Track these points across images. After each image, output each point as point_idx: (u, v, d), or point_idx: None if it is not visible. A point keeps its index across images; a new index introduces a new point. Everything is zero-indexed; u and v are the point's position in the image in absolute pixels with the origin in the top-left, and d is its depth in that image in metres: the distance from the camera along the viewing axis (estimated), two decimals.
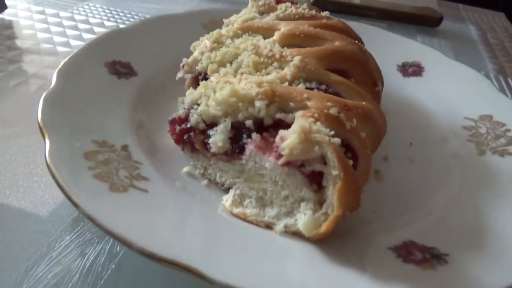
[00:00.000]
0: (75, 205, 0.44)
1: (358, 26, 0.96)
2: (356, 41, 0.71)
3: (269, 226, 0.50)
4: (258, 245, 0.47)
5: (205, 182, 0.59)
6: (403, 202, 0.60)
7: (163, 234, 0.43)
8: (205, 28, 0.90)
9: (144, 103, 0.70)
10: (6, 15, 1.06)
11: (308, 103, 0.53)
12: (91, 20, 1.10)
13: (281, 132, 0.49)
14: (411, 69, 0.89)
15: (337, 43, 0.67)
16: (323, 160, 0.47)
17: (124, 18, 1.14)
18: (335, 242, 0.48)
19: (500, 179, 0.61)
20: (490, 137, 0.70)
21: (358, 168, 0.51)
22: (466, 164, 0.65)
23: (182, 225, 0.47)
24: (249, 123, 0.53)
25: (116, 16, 1.14)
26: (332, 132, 0.47)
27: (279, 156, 0.48)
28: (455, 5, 1.62)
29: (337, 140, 0.46)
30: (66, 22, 1.07)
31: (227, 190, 0.57)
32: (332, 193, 0.45)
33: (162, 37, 0.85)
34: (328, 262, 0.45)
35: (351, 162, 0.48)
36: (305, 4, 0.81)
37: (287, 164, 0.48)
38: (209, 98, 0.57)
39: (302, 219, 0.47)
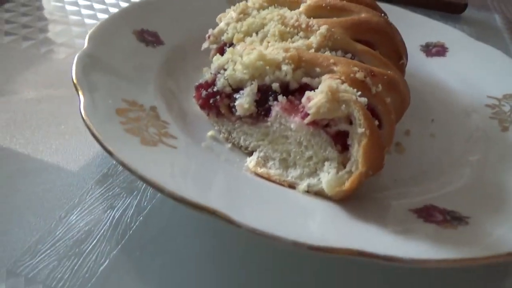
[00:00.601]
0: (110, 153, 0.46)
1: (381, 6, 0.97)
2: (383, 15, 0.71)
3: (292, 186, 0.52)
4: (282, 201, 0.48)
5: (229, 145, 0.60)
6: (424, 173, 0.60)
7: (192, 183, 0.45)
8: (230, 3, 0.91)
9: (170, 72, 0.72)
10: None
11: (335, 68, 0.54)
12: None
13: (308, 93, 0.50)
14: (435, 49, 0.89)
15: (363, 15, 0.67)
16: (349, 120, 0.48)
17: None
18: (356, 204, 0.49)
19: None
20: None
21: (382, 132, 0.52)
22: (489, 139, 0.66)
23: (210, 177, 0.49)
24: (275, 86, 0.54)
25: None
26: (359, 93, 0.48)
27: (305, 115, 0.49)
28: None
29: (363, 100, 0.47)
30: None
31: (250, 154, 0.58)
32: (357, 150, 0.46)
33: (189, 9, 0.86)
34: (350, 220, 0.46)
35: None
36: None
37: (313, 123, 0.49)
38: (236, 63, 0.58)
39: (326, 177, 0.48)
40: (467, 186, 0.55)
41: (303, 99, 0.50)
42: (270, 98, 0.55)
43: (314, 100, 0.48)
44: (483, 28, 1.28)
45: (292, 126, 0.51)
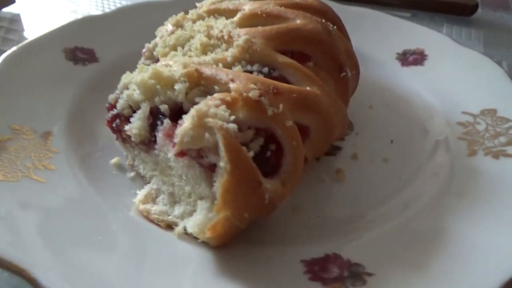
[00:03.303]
0: None
1: (359, 12, 0.87)
2: (326, 21, 0.61)
3: (170, 226, 0.43)
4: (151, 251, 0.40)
5: (132, 174, 0.53)
6: (356, 208, 0.50)
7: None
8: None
9: (96, 92, 0.66)
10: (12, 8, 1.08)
11: (231, 85, 0.45)
12: (94, 12, 1.10)
13: (182, 119, 0.42)
14: (412, 58, 0.77)
15: (298, 21, 0.58)
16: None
17: None
18: (241, 249, 0.40)
19: (484, 186, 0.49)
20: (488, 135, 0.57)
21: (284, 163, 0.43)
22: (448, 166, 0.54)
23: (59, 221, 0.42)
24: (164, 107, 0.47)
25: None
26: (233, 118, 0.39)
27: (175, 144, 0.41)
28: None
29: (232, 126, 0.38)
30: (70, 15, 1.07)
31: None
32: (218, 188, 0.37)
33: (138, 25, 0.81)
34: (221, 275, 0.37)
35: (269, 154, 0.40)
36: None
37: (181, 154, 0.41)
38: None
39: (194, 219, 0.40)
40: (393, 231, 0.44)
41: (178, 126, 0.42)
42: (159, 122, 0.47)
43: (180, 127, 0.40)
44: (495, 32, 1.12)
45: (169, 156, 0.44)
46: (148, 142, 0.49)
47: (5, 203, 0.41)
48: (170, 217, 0.44)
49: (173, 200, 0.46)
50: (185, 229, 0.42)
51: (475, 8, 1.17)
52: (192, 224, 0.39)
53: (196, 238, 0.41)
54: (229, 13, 0.66)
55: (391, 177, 0.55)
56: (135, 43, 0.74)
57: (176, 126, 0.45)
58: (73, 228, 0.41)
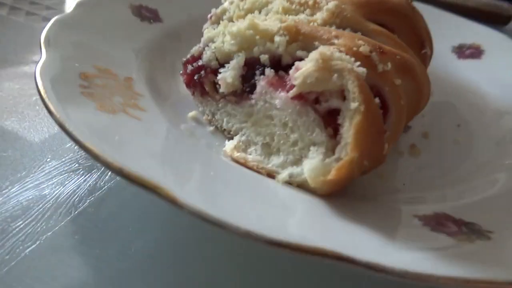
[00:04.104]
0: (49, 111, 0.38)
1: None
2: None
3: (271, 175, 0.42)
4: (253, 191, 0.39)
5: (211, 128, 0.52)
6: (439, 180, 0.50)
7: (144, 158, 0.37)
8: None
9: (163, 50, 0.65)
10: None
11: (336, 41, 0.45)
12: None
13: (298, 63, 0.41)
14: (469, 51, 0.78)
15: None
16: (343, 96, 0.38)
17: None
18: (346, 202, 0.39)
19: None
20: None
21: (388, 121, 0.42)
22: None
23: (169, 156, 0.41)
24: (264, 58, 0.46)
25: None
26: (358, 63, 0.39)
27: (291, 88, 0.40)
28: None
29: (362, 70, 0.38)
30: None
31: (232, 138, 0.50)
32: (348, 131, 0.36)
33: None
34: (334, 218, 0.36)
35: (380, 109, 0.40)
36: None
37: (299, 97, 0.40)
38: (226, 34, 0.51)
39: (309, 164, 0.39)
40: (493, 197, 0.43)
41: (291, 71, 0.41)
42: (257, 72, 0.46)
43: (301, 69, 0.39)
44: None
45: (277, 102, 0.43)
46: (240, 93, 0.48)
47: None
48: (269, 165, 0.43)
49: (268, 151, 0.45)
50: (290, 176, 0.41)
51: (509, 18, 1.19)
52: (308, 167, 0.38)
53: (299, 187, 0.41)
54: None
55: (464, 156, 0.55)
56: (198, 8, 0.73)
57: (278, 76, 0.45)
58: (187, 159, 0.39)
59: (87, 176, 0.47)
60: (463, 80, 0.73)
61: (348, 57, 0.39)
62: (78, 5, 0.60)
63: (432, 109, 0.64)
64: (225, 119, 0.51)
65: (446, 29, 0.82)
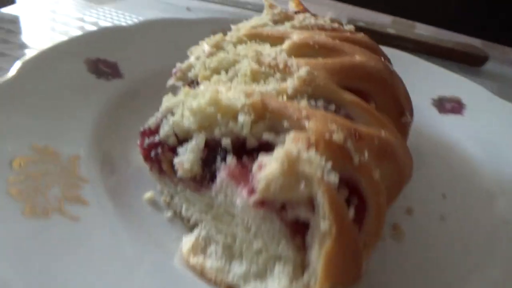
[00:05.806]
0: None
1: (389, 52, 0.84)
2: (383, 59, 0.58)
3: None
4: None
5: (169, 214, 0.46)
6: (425, 271, 0.45)
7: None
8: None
9: (122, 111, 0.59)
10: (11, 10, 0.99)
11: (306, 124, 0.39)
12: (101, 23, 1.02)
13: (262, 157, 0.36)
14: (450, 105, 0.75)
15: (357, 57, 0.54)
16: (312, 205, 0.33)
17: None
18: None
19: None
20: None
21: (366, 221, 0.37)
22: None
23: (104, 270, 0.34)
24: (226, 142, 0.40)
25: (129, 22, 1.06)
26: (330, 166, 0.33)
27: (253, 190, 0.34)
28: (501, 47, 1.46)
29: (333, 179, 0.32)
30: (74, 23, 1.00)
31: (192, 228, 0.43)
32: (317, 256, 0.31)
33: (163, 41, 0.75)
34: None
35: (352, 211, 0.34)
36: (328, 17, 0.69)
37: (262, 204, 0.34)
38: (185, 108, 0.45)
39: (274, 287, 0.33)
40: None
41: (254, 166, 0.36)
42: (219, 157, 0.41)
43: (265, 170, 0.33)
44: (505, 84, 1.13)
45: (238, 202, 0.37)
46: (200, 179, 0.42)
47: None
48: (229, 276, 0.37)
49: (230, 254, 0.39)
50: None
51: (485, 59, 1.18)
52: None
53: None
54: (273, 40, 0.61)
55: (452, 238, 0.50)
56: (163, 61, 0.68)
57: (241, 165, 0.39)
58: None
59: None
60: (445, 138, 0.69)
61: (318, 157, 0.33)
62: (22, 66, 0.54)
63: (413, 177, 0.60)
64: (184, 205, 0.45)
65: (424, 79, 0.79)
